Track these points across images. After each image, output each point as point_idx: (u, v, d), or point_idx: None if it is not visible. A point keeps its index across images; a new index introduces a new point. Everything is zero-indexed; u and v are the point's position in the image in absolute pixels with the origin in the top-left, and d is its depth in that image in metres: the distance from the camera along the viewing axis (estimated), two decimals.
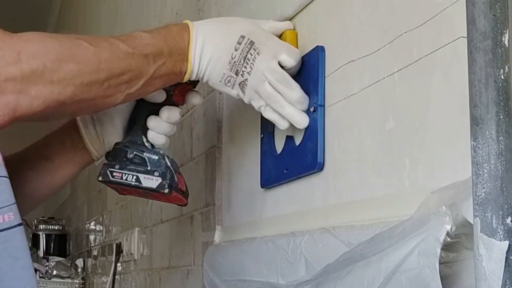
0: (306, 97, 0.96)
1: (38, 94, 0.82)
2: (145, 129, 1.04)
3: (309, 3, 0.99)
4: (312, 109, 0.95)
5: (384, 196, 0.80)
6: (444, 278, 0.62)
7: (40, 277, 3.16)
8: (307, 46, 0.97)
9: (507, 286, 0.54)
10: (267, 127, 1.08)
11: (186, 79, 0.96)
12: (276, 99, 0.95)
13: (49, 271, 3.18)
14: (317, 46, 0.95)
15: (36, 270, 3.12)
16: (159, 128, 1.04)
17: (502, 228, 0.55)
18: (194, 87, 1.06)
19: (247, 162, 1.19)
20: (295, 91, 0.95)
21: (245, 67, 0.94)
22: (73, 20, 4.02)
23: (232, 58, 0.94)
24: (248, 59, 0.94)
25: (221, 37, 0.95)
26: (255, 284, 1.04)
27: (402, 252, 0.65)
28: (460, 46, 0.67)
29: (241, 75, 0.94)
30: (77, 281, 3.19)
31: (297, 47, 1.00)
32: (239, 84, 0.95)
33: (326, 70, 0.94)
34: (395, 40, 0.78)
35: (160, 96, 1.03)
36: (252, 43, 0.94)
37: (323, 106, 0.94)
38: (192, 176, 1.45)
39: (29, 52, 0.82)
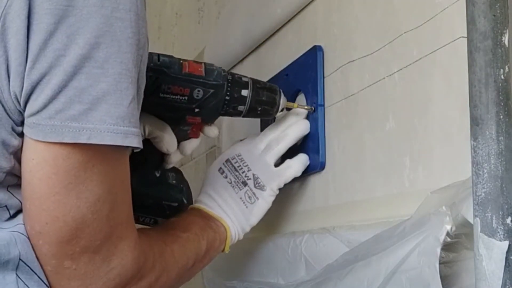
0: (297, 114, 0.95)
1: None
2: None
3: (309, 3, 0.99)
4: (312, 109, 0.94)
5: (384, 196, 0.80)
6: (444, 278, 0.62)
7: None
8: (307, 46, 0.97)
9: (507, 286, 0.54)
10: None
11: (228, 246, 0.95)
12: (279, 141, 0.95)
13: None
14: (315, 46, 0.94)
15: None
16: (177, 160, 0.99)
17: (502, 228, 0.55)
18: (212, 123, 0.98)
19: None
20: (284, 126, 0.95)
21: (242, 171, 0.95)
22: None
23: (230, 183, 0.95)
24: (239, 167, 0.95)
25: (221, 192, 0.95)
26: (255, 284, 1.04)
27: (402, 252, 0.65)
28: (460, 46, 0.66)
29: (247, 178, 0.95)
30: None
31: None
32: (255, 186, 0.95)
33: (326, 70, 0.94)
34: (395, 40, 0.78)
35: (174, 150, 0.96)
36: (227, 160, 0.96)
37: (323, 106, 0.93)
38: (192, 176, 1.45)
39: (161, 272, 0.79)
